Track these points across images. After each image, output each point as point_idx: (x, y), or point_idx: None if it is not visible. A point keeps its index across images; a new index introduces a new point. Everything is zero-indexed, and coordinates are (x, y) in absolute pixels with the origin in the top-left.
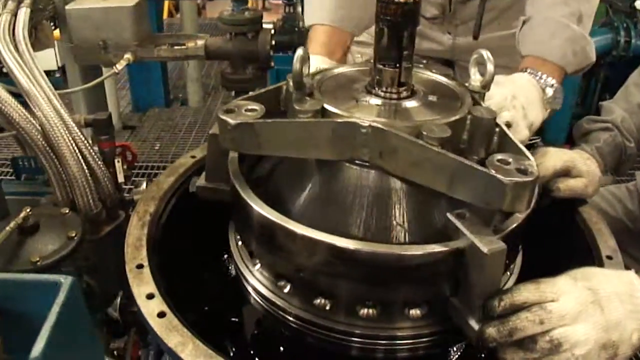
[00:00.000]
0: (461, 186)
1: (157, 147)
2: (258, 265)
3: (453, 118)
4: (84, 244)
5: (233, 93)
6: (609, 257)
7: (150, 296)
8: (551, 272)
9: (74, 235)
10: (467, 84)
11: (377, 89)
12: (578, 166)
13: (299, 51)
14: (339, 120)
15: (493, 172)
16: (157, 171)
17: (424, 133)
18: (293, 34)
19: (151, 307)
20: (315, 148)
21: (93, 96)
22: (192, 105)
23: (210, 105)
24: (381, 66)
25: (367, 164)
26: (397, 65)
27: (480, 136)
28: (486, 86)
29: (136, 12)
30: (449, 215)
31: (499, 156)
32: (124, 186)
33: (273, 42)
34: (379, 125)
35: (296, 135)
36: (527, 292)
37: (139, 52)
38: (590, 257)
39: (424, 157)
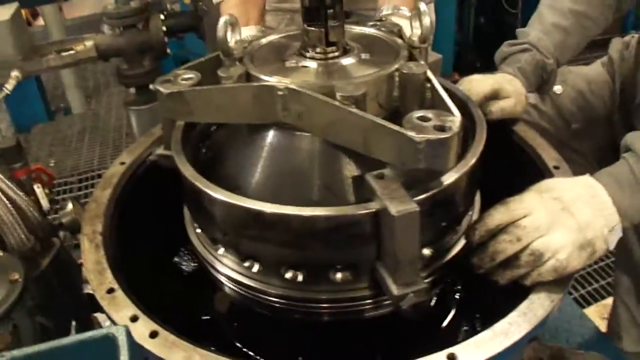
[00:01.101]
0: (376, 146)
1: (52, 164)
2: (221, 250)
3: (375, 75)
4: (29, 284)
5: (133, 89)
6: (556, 167)
7: (134, 318)
8: (510, 194)
9: (17, 277)
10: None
11: (306, 50)
12: (505, 87)
13: (223, 18)
14: (256, 84)
15: (403, 129)
16: (60, 188)
17: (338, 92)
18: (186, 16)
19: (140, 329)
20: (240, 113)
21: None
22: (76, 112)
23: (96, 107)
24: (307, 27)
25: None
26: (323, 24)
27: (411, 93)
28: (425, 41)
29: (14, 25)
30: (366, 175)
31: (420, 113)
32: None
33: (164, 28)
34: (294, 87)
35: (221, 101)
36: (499, 215)
37: (26, 67)
38: (539, 170)
39: (337, 117)
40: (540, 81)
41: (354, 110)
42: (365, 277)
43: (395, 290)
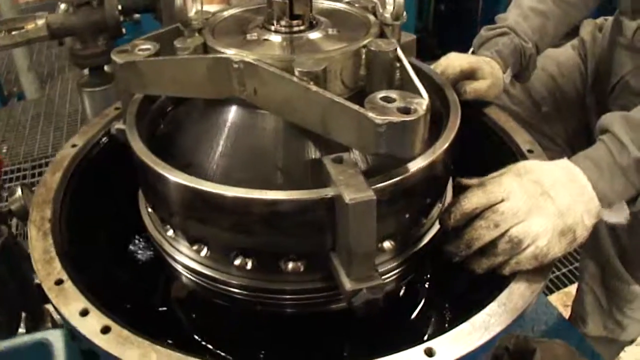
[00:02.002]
0: (334, 127)
1: (4, 150)
2: (170, 232)
3: (339, 51)
4: None
5: (86, 71)
6: (530, 151)
7: (84, 312)
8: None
9: None
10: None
11: (271, 24)
12: (482, 67)
13: None
14: (211, 55)
15: (364, 110)
16: (13, 175)
17: (296, 68)
18: None
19: (90, 324)
20: (195, 87)
21: None
22: (30, 97)
23: (50, 92)
24: None
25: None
26: None
27: (379, 72)
28: (398, 18)
29: None
30: (323, 158)
31: (383, 93)
32: None
33: (120, 7)
34: (249, 60)
35: (175, 73)
36: (475, 198)
37: None
38: (512, 154)
39: (294, 93)
40: (518, 67)
41: (312, 86)
42: (320, 268)
43: (347, 284)
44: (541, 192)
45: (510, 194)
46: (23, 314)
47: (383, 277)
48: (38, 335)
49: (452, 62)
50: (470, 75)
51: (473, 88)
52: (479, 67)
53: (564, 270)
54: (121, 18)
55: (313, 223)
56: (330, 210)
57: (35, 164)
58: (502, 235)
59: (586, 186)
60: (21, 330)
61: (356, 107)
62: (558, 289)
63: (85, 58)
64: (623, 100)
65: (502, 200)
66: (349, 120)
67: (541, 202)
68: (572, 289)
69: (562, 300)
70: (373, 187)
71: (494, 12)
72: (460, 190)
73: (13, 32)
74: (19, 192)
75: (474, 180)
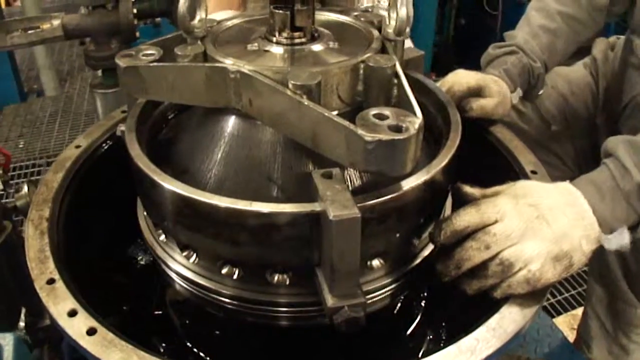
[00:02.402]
0: (325, 142)
1: (21, 145)
2: (162, 237)
3: (336, 65)
4: None
5: (100, 72)
6: (534, 172)
7: (72, 313)
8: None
9: None
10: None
11: (272, 35)
12: (490, 86)
13: None
14: (209, 64)
15: (354, 126)
16: (28, 170)
17: (290, 81)
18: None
19: (77, 325)
20: (193, 94)
21: None
22: (49, 94)
23: (69, 90)
24: (274, 9)
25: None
26: (290, 7)
27: (377, 88)
28: (400, 33)
29: None
30: (313, 173)
31: (376, 110)
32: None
33: (135, 11)
34: (245, 70)
35: (174, 79)
36: (468, 216)
37: None
38: (515, 174)
39: (286, 106)
40: (527, 86)
41: (304, 100)
42: (307, 283)
43: (329, 300)
44: (537, 215)
45: (505, 215)
46: (23, 309)
47: (373, 294)
48: None
49: (460, 78)
50: (477, 92)
51: (479, 105)
52: (486, 84)
53: (572, 292)
54: (135, 22)
55: (299, 237)
56: (316, 225)
57: (50, 160)
58: (493, 257)
59: (587, 211)
60: (21, 324)
61: (346, 123)
62: (566, 311)
63: (99, 60)
64: (634, 120)
65: (496, 222)
66: (339, 136)
67: (536, 225)
68: (580, 311)
69: (569, 323)
70: (360, 204)
71: (513, 28)
72: (458, 196)
73: (29, 31)
74: (25, 189)
75: (475, 190)
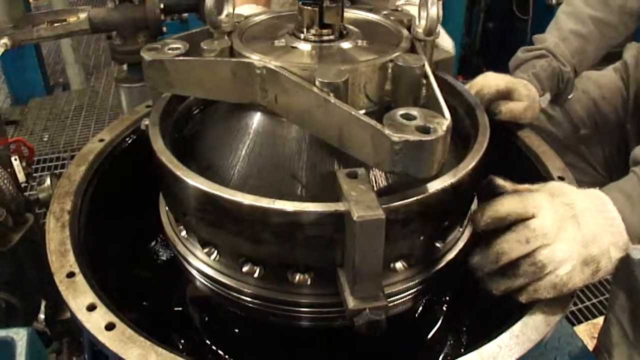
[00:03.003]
0: (351, 141)
1: (45, 139)
2: (184, 232)
3: (364, 63)
4: None
5: (125, 66)
6: (561, 178)
7: (91, 307)
8: None
9: None
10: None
11: (300, 31)
12: (519, 89)
13: None
14: (235, 59)
15: (381, 126)
16: (52, 164)
17: (317, 78)
18: None
19: (96, 319)
20: (218, 89)
21: None
22: (74, 88)
23: (95, 85)
24: (302, 5)
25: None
26: (319, 3)
27: (405, 88)
28: (430, 33)
29: None
30: (337, 172)
31: (403, 110)
32: (26, 185)
33: (162, 6)
34: (271, 66)
35: (200, 74)
36: (511, 204)
37: (16, 35)
38: (542, 180)
39: (313, 103)
40: (556, 90)
41: (331, 98)
42: (329, 283)
43: (351, 302)
44: (572, 215)
45: (541, 211)
46: (43, 301)
47: (394, 297)
48: (2, 333)
49: (489, 81)
50: (506, 95)
51: (509, 109)
52: (515, 88)
53: (594, 300)
54: (162, 16)
55: (321, 237)
56: (340, 225)
57: (74, 154)
58: (528, 255)
59: (616, 218)
60: (41, 316)
61: (373, 122)
62: (586, 319)
63: (125, 54)
64: None
65: (533, 216)
66: (366, 135)
67: (569, 226)
68: (601, 320)
69: (589, 332)
70: (385, 206)
71: (542, 33)
72: (489, 190)
73: (55, 24)
74: (47, 181)
75: (507, 183)
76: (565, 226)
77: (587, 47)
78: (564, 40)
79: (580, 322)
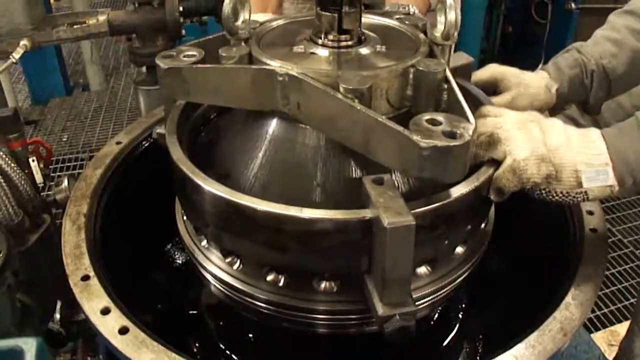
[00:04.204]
0: (377, 147)
1: (65, 139)
2: (204, 242)
3: (386, 69)
4: (12, 259)
5: (144, 69)
6: None
7: (105, 311)
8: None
9: None
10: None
11: (318, 37)
12: (507, 78)
13: None
14: (256, 67)
15: (408, 132)
16: (71, 164)
17: (341, 84)
18: None
19: (109, 323)
20: (238, 97)
21: None
22: (94, 89)
23: (114, 86)
24: (321, 11)
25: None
26: (338, 9)
27: (426, 93)
28: (448, 37)
29: None
30: (364, 179)
31: (429, 115)
32: (43, 186)
33: (181, 9)
34: (294, 73)
35: (219, 82)
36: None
37: (36, 37)
38: None
39: (338, 110)
40: (579, 82)
41: (356, 104)
42: (353, 290)
43: (380, 309)
44: (532, 119)
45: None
46: (58, 302)
47: (418, 302)
48: (11, 342)
49: (477, 73)
50: (494, 88)
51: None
52: (502, 78)
53: (612, 307)
54: (181, 19)
55: (349, 244)
56: (368, 232)
57: (93, 154)
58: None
59: (596, 141)
60: (56, 316)
61: (400, 128)
62: (604, 326)
63: (144, 56)
64: None
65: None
66: (393, 141)
67: (533, 127)
68: (619, 327)
69: (607, 339)
70: (413, 211)
71: (561, 38)
72: None
73: (75, 26)
74: (65, 183)
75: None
76: (529, 126)
77: (620, 53)
78: (595, 44)
79: (597, 329)
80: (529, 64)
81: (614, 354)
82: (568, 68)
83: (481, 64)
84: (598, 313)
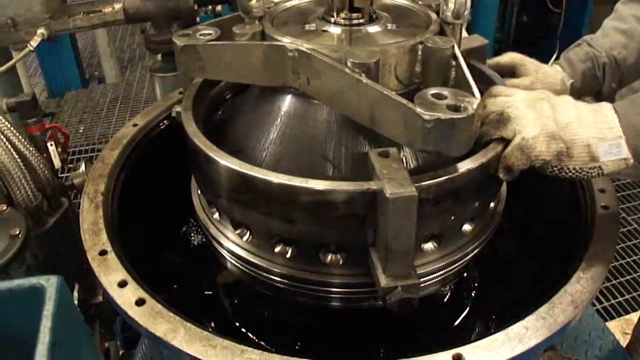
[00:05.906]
0: (383, 120)
1: (81, 130)
2: (216, 215)
3: (394, 45)
4: (30, 241)
5: (159, 56)
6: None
7: (122, 284)
8: (541, 189)
9: (17, 233)
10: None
11: (330, 15)
12: (525, 65)
13: None
14: (267, 43)
15: (413, 105)
16: (87, 155)
17: (349, 59)
18: None
19: (127, 295)
20: (250, 72)
21: (7, 82)
22: (110, 81)
23: (129, 78)
24: None
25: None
26: None
27: (435, 69)
28: (459, 16)
29: None
30: (370, 152)
31: (435, 90)
32: (62, 170)
33: None
34: (303, 49)
35: (232, 58)
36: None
37: (52, 26)
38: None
39: (345, 84)
40: (591, 75)
41: (362, 78)
42: (360, 263)
43: (383, 280)
44: (542, 97)
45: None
46: (76, 285)
47: (423, 278)
48: (33, 280)
49: (499, 58)
50: (512, 72)
51: (511, 84)
52: (521, 64)
53: (627, 296)
54: (196, 7)
55: (354, 215)
56: (372, 203)
57: None
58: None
59: (608, 115)
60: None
61: (405, 101)
62: (619, 315)
63: (159, 44)
64: None
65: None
66: (397, 114)
67: (544, 105)
68: (634, 316)
69: (621, 328)
70: (417, 184)
71: (575, 27)
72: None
73: (91, 15)
74: (82, 167)
75: None
76: (539, 104)
77: (630, 43)
78: (604, 36)
79: (612, 317)
80: (544, 54)
81: (626, 343)
82: (580, 62)
83: (496, 54)
84: (613, 302)
